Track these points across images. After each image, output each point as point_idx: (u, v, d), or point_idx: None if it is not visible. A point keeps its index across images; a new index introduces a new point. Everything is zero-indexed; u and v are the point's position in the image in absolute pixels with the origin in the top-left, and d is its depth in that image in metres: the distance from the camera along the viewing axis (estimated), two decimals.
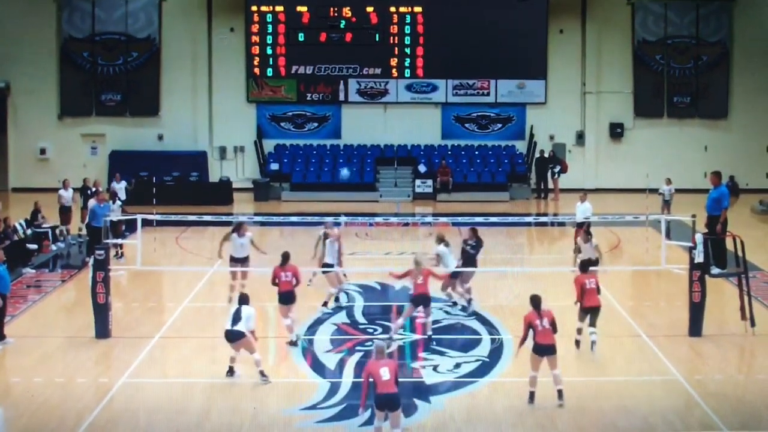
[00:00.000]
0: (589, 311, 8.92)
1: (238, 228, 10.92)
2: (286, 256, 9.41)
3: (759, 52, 21.82)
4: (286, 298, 9.25)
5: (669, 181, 17.03)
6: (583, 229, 11.15)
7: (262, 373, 8.19)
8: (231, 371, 8.32)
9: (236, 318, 8.12)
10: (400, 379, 6.79)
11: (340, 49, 21.45)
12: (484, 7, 21.51)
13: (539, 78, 21.80)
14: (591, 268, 9.87)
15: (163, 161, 20.86)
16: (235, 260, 10.91)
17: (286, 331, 9.34)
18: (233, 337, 8.11)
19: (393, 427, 6.70)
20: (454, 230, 15.76)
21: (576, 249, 11.41)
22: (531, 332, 7.69)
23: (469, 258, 10.54)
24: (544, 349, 7.60)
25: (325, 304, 10.56)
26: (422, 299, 9.35)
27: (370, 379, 6.59)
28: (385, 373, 6.52)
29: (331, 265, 10.65)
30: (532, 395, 7.70)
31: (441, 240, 10.43)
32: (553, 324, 7.72)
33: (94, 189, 15.07)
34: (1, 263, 9.43)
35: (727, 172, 19.55)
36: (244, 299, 8.33)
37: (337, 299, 10.78)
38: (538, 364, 7.67)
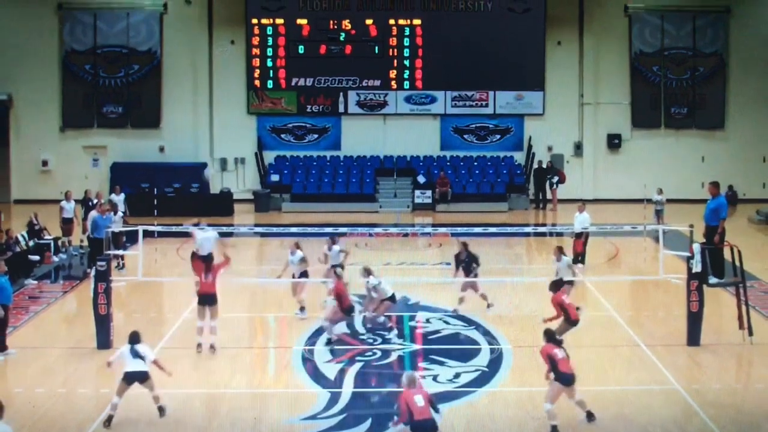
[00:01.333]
0: (566, 381, 7.45)
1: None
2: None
3: (755, 62, 22.02)
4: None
5: (660, 191, 17.13)
6: (556, 246, 10.82)
7: (160, 409, 7.60)
8: (161, 410, 7.66)
9: (136, 356, 7.59)
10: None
11: (340, 62, 21.64)
12: (483, 20, 21.72)
13: (537, 89, 21.97)
14: (567, 286, 9.95)
15: (164, 173, 20.96)
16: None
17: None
18: (139, 377, 7.58)
19: None
20: (453, 240, 15.86)
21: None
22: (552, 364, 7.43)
23: (466, 269, 10.78)
24: (568, 378, 7.37)
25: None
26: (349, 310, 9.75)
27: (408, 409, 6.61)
28: (419, 401, 6.67)
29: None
30: (554, 429, 7.29)
31: (367, 272, 10.20)
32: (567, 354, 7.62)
33: (95, 201, 15.16)
34: (3, 274, 9.48)
35: (724, 182, 19.63)
36: (135, 338, 7.74)
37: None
38: (559, 394, 7.40)
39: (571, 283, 10.38)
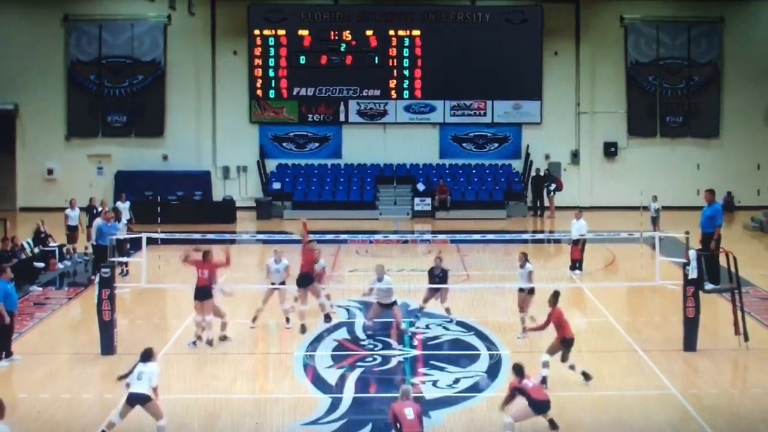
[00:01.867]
0: (541, 409, 7.36)
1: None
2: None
3: (749, 72, 22.27)
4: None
5: (655, 199, 17.27)
6: (521, 252, 10.36)
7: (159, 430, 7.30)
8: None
9: (140, 377, 7.34)
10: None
11: (341, 72, 21.91)
12: (481, 31, 22.02)
13: (535, 98, 22.24)
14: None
15: (167, 181, 21.14)
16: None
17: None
18: (137, 400, 7.29)
19: None
20: (453, 247, 16.05)
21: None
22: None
23: (440, 283, 10.68)
24: (543, 406, 7.37)
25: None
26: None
27: (398, 423, 6.71)
28: (409, 413, 6.73)
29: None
30: None
31: (379, 271, 10.16)
32: (544, 379, 7.78)
33: (100, 209, 15.34)
34: (9, 281, 9.60)
35: (719, 189, 19.84)
36: (147, 356, 7.53)
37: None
38: (527, 417, 7.39)
39: (531, 291, 10.05)
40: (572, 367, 8.61)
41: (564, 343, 8.54)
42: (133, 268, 13.46)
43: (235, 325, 10.72)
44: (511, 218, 20.79)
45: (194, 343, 9.84)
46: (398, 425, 6.69)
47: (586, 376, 8.44)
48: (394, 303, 10.27)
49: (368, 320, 10.42)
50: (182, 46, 22.05)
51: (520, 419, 7.42)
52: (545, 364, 8.48)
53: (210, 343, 9.67)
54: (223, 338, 10.04)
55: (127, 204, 16.14)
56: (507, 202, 21.34)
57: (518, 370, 7.56)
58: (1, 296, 9.40)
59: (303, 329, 10.33)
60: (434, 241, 16.90)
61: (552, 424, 7.49)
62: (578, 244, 13.92)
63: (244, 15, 21.95)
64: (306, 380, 8.93)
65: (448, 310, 10.84)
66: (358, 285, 12.21)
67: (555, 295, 8.75)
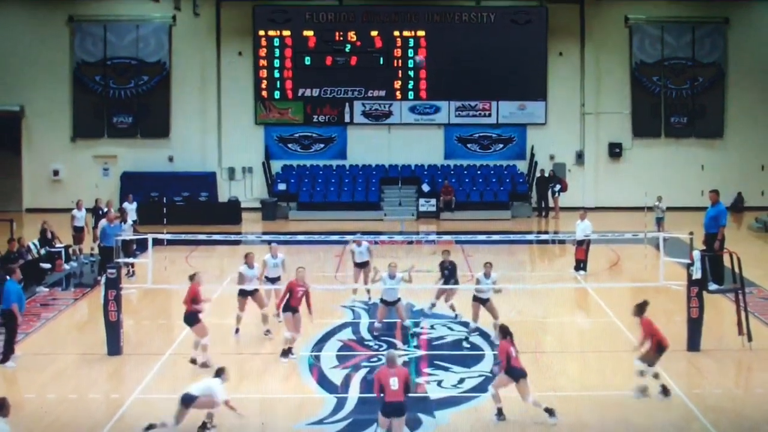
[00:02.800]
0: (517, 375, 7.75)
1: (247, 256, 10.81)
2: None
3: (753, 72, 22.25)
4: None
5: (660, 199, 17.33)
6: (485, 263, 10.23)
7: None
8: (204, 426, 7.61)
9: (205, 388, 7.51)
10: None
11: (346, 72, 21.95)
12: (486, 31, 22.03)
13: (539, 99, 22.25)
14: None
15: (173, 182, 21.21)
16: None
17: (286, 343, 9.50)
18: (190, 400, 7.43)
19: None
20: (458, 248, 16.09)
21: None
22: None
23: (447, 279, 10.87)
24: (519, 373, 7.72)
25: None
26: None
27: (381, 391, 6.88)
28: (394, 383, 6.84)
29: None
30: (500, 411, 7.78)
31: (390, 268, 10.35)
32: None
33: (106, 209, 15.44)
34: (19, 282, 9.75)
35: (724, 190, 19.79)
36: (219, 373, 7.68)
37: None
38: (505, 384, 7.80)
39: (484, 301, 10.02)
40: (656, 376, 8.35)
41: (659, 351, 8.33)
42: (139, 269, 13.53)
43: (241, 327, 10.76)
44: (515, 219, 20.81)
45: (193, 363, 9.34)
46: (382, 393, 6.83)
47: (550, 413, 7.86)
48: (398, 300, 10.35)
49: (378, 322, 10.49)
50: (187, 47, 22.13)
51: (498, 387, 7.82)
52: (641, 374, 8.28)
53: (205, 365, 9.11)
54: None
55: (134, 205, 16.23)
56: (512, 203, 21.35)
57: (505, 331, 7.90)
58: (15, 297, 9.54)
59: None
60: (439, 242, 16.94)
61: (549, 411, 7.68)
62: (583, 245, 13.96)
63: (249, 16, 22.03)
64: (311, 380, 9.00)
65: (452, 307, 10.97)
66: (364, 285, 12.27)
67: (641, 306, 8.45)
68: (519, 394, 7.75)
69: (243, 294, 10.44)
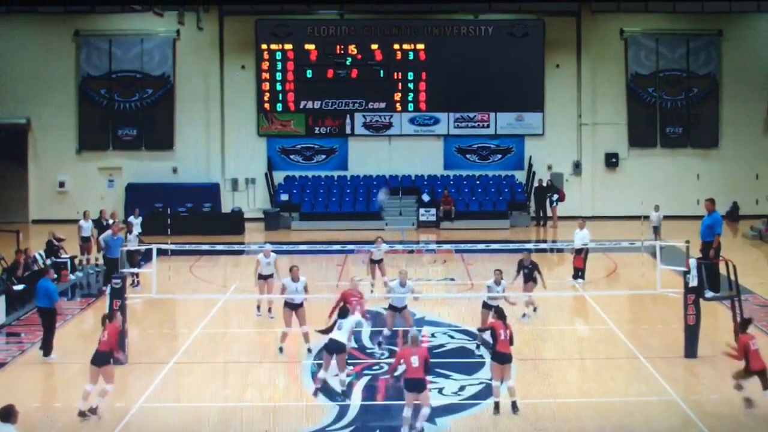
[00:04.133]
0: (501, 359, 8.20)
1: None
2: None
3: (747, 83, 22.48)
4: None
5: (657, 208, 17.51)
6: (495, 270, 10.34)
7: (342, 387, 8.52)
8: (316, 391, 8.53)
9: (339, 327, 8.64)
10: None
11: (347, 85, 22.22)
12: (484, 44, 22.35)
13: (537, 110, 22.53)
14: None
15: (177, 193, 21.35)
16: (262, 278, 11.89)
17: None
18: (335, 348, 8.57)
19: (423, 406, 7.59)
20: (458, 257, 16.28)
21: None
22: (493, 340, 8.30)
23: (527, 276, 11.55)
24: (504, 357, 8.11)
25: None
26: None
27: (402, 364, 7.55)
28: (414, 361, 7.41)
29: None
30: (497, 405, 8.14)
31: (401, 276, 10.42)
32: (511, 337, 8.28)
33: (111, 221, 15.64)
34: (52, 281, 10.32)
35: (719, 199, 20.01)
36: (345, 311, 8.81)
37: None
38: (498, 371, 8.15)
39: (492, 308, 10.05)
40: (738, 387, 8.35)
41: (747, 371, 8.25)
42: (143, 279, 13.57)
43: (244, 335, 10.95)
44: (514, 228, 20.96)
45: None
46: (404, 370, 7.44)
47: (514, 407, 8.18)
48: (405, 307, 10.50)
49: (387, 329, 10.57)
50: (191, 60, 22.38)
51: (496, 377, 8.15)
52: (738, 387, 8.30)
53: (94, 411, 8.15)
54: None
55: (140, 220, 16.41)
56: (510, 213, 21.55)
57: (501, 313, 8.51)
58: (56, 294, 10.18)
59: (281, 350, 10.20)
60: (439, 251, 17.11)
61: (513, 406, 8.06)
62: (581, 253, 14.15)
63: (252, 30, 22.33)
64: (314, 388, 9.00)
65: (532, 304, 11.42)
66: (365, 294, 12.42)
67: (744, 323, 8.49)
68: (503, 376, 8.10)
69: (287, 306, 10.36)
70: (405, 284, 10.42)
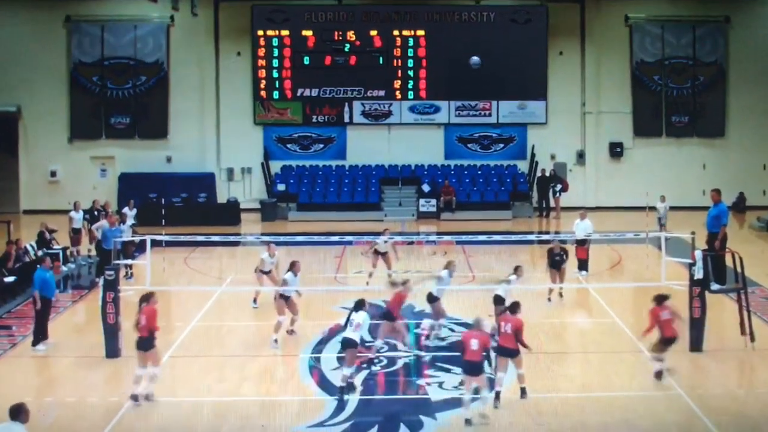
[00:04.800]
0: (502, 354, 8.40)
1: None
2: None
3: (754, 71, 22.24)
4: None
5: (663, 199, 17.30)
6: (516, 266, 10.57)
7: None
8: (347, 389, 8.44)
9: (350, 324, 8.51)
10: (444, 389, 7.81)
11: (345, 72, 21.90)
12: (486, 30, 22.00)
13: (540, 99, 22.21)
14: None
15: (171, 183, 21.18)
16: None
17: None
18: (348, 345, 8.48)
19: (482, 389, 7.92)
20: (459, 248, 16.01)
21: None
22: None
23: (555, 264, 11.93)
24: (503, 352, 8.22)
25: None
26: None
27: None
28: (474, 344, 7.79)
29: None
30: (497, 395, 8.16)
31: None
32: (516, 331, 8.26)
33: (103, 211, 15.36)
34: (48, 269, 10.21)
35: (725, 189, 19.74)
36: (360, 305, 8.68)
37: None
38: (502, 364, 8.25)
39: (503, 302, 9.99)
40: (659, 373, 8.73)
41: (664, 342, 8.74)
42: (137, 271, 13.51)
43: (240, 329, 10.73)
44: (516, 219, 20.79)
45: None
46: (463, 352, 7.77)
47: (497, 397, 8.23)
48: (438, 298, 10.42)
49: (443, 319, 10.57)
50: (185, 47, 22.08)
51: (500, 369, 8.29)
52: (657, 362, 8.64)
53: (149, 398, 8.33)
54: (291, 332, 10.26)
55: (134, 212, 16.14)
56: (512, 203, 21.31)
57: (499, 301, 8.70)
58: (38, 284, 9.97)
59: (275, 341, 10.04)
60: (440, 243, 16.86)
61: (496, 396, 8.13)
62: (584, 245, 13.90)
63: (248, 15, 21.97)
64: (312, 382, 8.97)
65: (560, 293, 11.89)
66: (364, 287, 12.20)
67: (660, 298, 8.86)
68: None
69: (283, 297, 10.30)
70: (452, 275, 10.49)
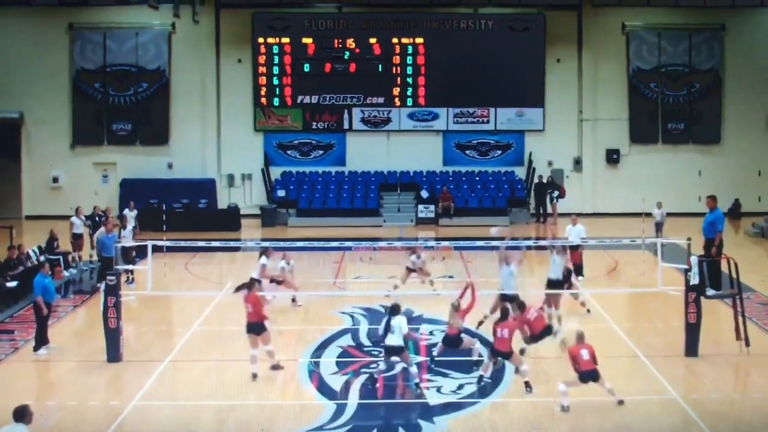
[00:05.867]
0: (495, 354, 9.24)
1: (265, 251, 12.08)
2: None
3: (749, 79, 22.39)
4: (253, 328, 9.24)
5: (660, 205, 17.42)
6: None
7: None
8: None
9: (392, 331, 8.67)
10: (444, 401, 8.09)
11: (345, 79, 22.06)
12: (484, 38, 22.18)
13: (537, 106, 22.37)
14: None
15: (172, 189, 21.30)
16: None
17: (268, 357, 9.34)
18: (393, 351, 8.72)
19: (609, 394, 8.28)
20: (456, 254, 16.10)
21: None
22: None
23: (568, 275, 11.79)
24: (498, 354, 8.83)
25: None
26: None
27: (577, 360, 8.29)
28: (585, 354, 8.26)
29: None
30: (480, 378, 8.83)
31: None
32: (511, 334, 8.87)
33: (104, 216, 15.46)
34: (47, 275, 10.28)
35: (721, 196, 19.87)
36: (395, 309, 8.85)
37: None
38: (489, 366, 8.91)
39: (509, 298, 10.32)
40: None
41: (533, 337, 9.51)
42: (138, 276, 13.54)
43: (240, 333, 10.72)
44: (514, 225, 20.85)
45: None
46: (576, 365, 8.22)
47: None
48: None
49: (491, 312, 10.75)
50: (187, 54, 22.23)
51: (485, 370, 8.94)
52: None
53: (276, 367, 9.31)
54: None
55: (135, 213, 16.24)
56: (510, 209, 21.42)
57: (505, 300, 9.18)
58: (39, 290, 10.04)
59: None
60: (438, 248, 16.95)
61: (527, 386, 8.62)
62: (578, 250, 14.00)
63: (249, 23, 22.14)
64: (311, 386, 9.00)
65: (583, 303, 11.82)
66: (363, 292, 12.26)
67: (520, 305, 9.42)
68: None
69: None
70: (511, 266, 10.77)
